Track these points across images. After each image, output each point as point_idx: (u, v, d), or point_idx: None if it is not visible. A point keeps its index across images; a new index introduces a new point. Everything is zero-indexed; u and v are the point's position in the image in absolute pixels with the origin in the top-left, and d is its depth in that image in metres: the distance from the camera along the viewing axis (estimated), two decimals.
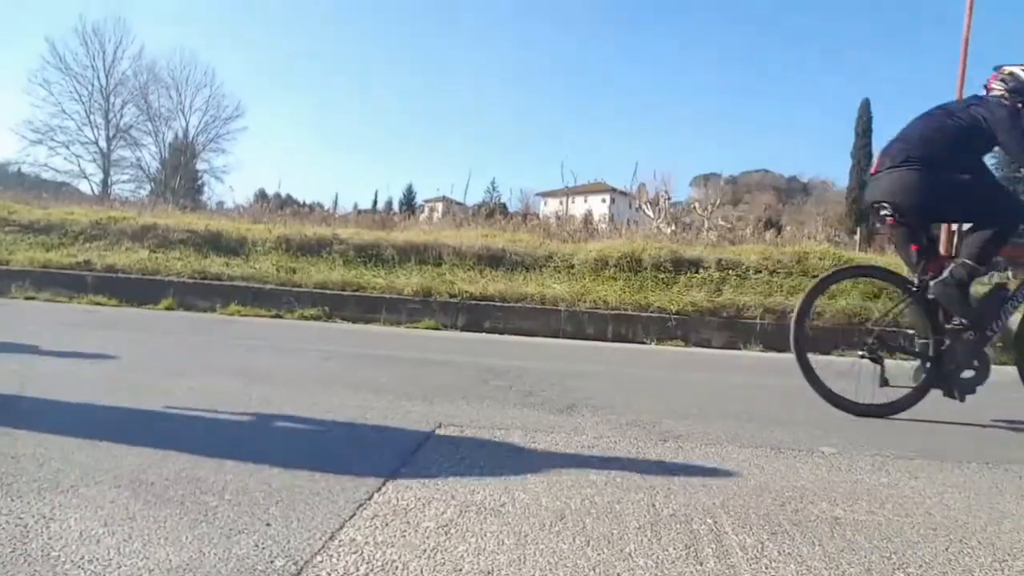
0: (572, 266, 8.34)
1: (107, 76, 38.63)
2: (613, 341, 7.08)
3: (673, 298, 7.61)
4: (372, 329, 6.56)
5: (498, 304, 7.32)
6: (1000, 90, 3.07)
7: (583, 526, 1.54)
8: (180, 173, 37.11)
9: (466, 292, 7.46)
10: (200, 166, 41.49)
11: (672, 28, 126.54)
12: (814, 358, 3.30)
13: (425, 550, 1.38)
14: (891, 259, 10.27)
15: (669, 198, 27.59)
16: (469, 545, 1.41)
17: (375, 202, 49.20)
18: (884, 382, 3.15)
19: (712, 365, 5.50)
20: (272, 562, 1.28)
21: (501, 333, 7.00)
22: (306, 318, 6.91)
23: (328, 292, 7.32)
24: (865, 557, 1.44)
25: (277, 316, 6.93)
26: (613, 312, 7.26)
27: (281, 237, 8.49)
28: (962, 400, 3.06)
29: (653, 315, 7.35)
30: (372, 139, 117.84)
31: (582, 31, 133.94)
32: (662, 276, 8.21)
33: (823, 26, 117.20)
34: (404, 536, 1.44)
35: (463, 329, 7.03)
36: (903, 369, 3.24)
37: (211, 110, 41.39)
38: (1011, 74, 3.07)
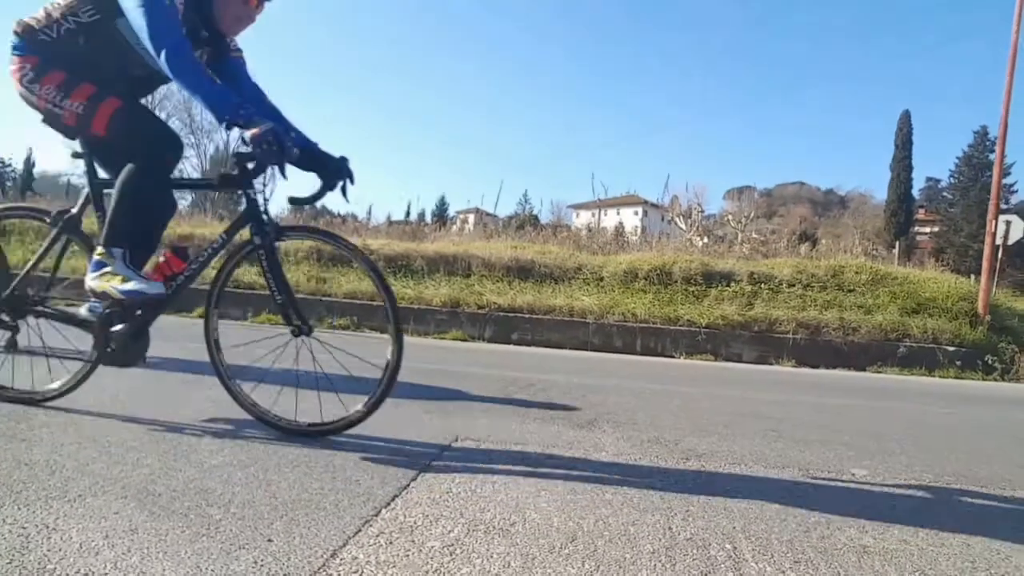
0: (601, 278, 8.26)
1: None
2: (641, 354, 6.98)
3: (703, 311, 7.49)
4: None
5: (526, 316, 7.28)
6: None
7: (594, 549, 1.48)
8: None
9: (494, 303, 7.44)
10: None
11: (704, 40, 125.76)
12: None
13: (428, 572, 1.33)
14: (930, 273, 9.97)
15: (702, 211, 27.30)
16: (473, 567, 1.36)
17: (407, 213, 49.74)
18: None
19: (741, 380, 5.36)
20: None
21: (529, 345, 6.96)
22: (335, 328, 6.95)
23: (357, 302, 7.36)
24: None
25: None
26: (642, 325, 7.16)
27: (313, 247, 8.57)
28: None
29: (682, 328, 7.23)
30: (409, 150, 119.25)
31: (616, 42, 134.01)
32: (692, 289, 8.08)
33: (863, 37, 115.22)
34: (408, 556, 1.39)
35: (490, 341, 7.01)
36: None
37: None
38: None
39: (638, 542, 1.53)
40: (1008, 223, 11.19)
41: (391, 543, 1.45)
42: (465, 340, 6.86)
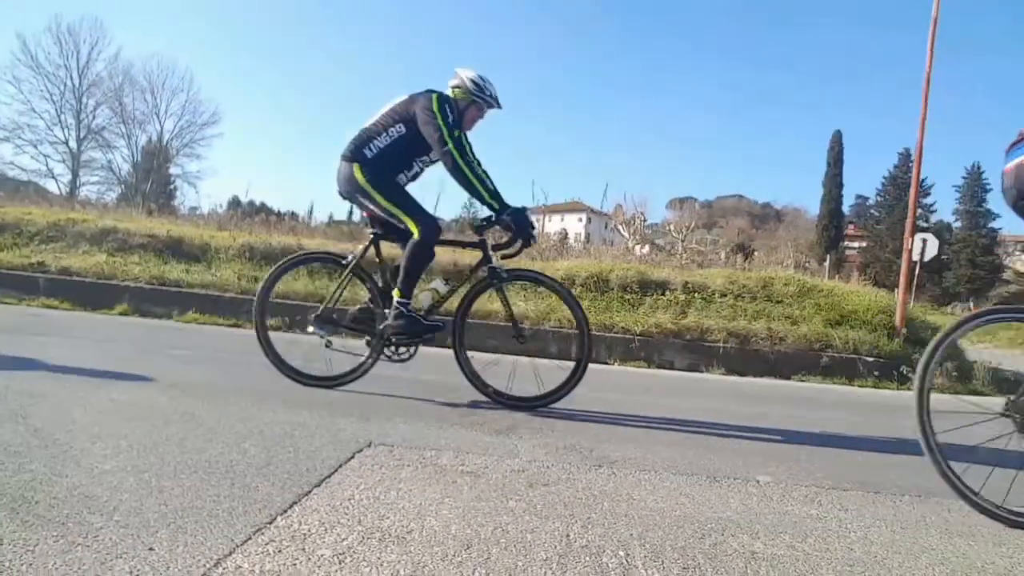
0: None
1: (80, 77, 37.93)
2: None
3: (638, 319, 7.60)
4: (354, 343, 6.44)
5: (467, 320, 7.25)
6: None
7: (487, 557, 1.48)
8: (152, 177, 36.49)
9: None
10: (173, 171, 40.90)
11: (646, 55, 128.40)
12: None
13: None
14: (854, 287, 10.41)
15: (645, 220, 27.82)
16: (360, 575, 1.34)
17: (351, 213, 48.88)
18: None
19: (669, 388, 5.47)
20: None
21: (469, 350, 6.92)
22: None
23: (291, 303, 7.17)
24: None
25: (236, 325, 6.79)
26: (577, 332, 7.21)
27: (245, 245, 8.33)
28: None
29: (617, 336, 7.33)
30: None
31: (557, 53, 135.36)
32: (628, 297, 8.20)
33: (798, 59, 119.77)
34: (295, 565, 1.36)
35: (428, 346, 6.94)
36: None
37: (187, 115, 40.91)
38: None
39: (533, 550, 1.54)
40: (924, 241, 11.80)
41: (280, 551, 1.42)
42: None
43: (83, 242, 8.43)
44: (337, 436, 2.46)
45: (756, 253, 18.45)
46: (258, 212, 15.74)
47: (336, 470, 2.04)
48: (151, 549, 1.37)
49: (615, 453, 2.57)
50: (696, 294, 8.45)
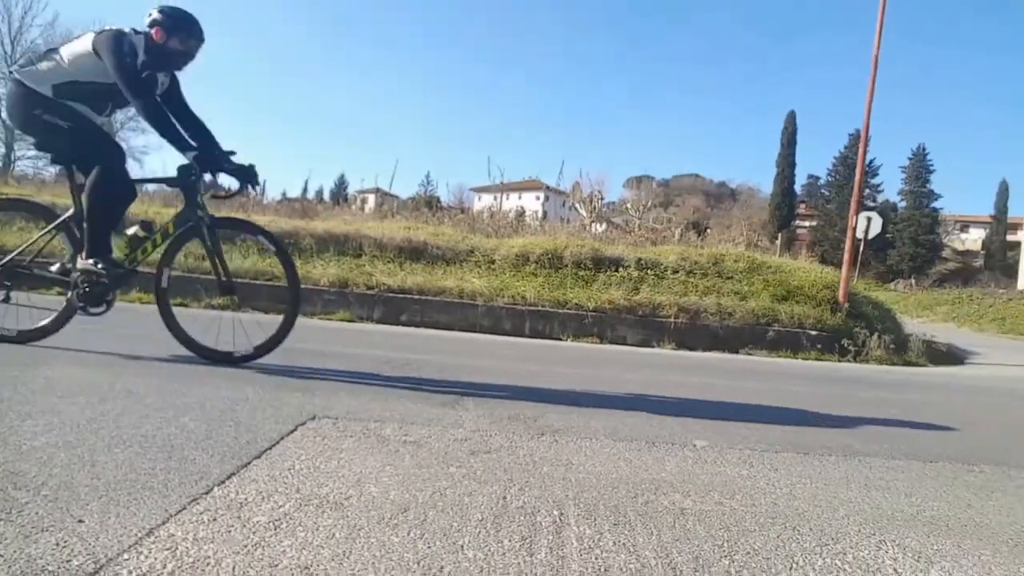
0: (493, 261, 8.33)
1: (13, 44, 35.92)
2: (530, 337, 7.11)
3: (591, 295, 7.72)
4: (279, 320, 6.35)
5: (416, 297, 7.24)
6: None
7: (424, 519, 1.50)
8: None
9: (384, 284, 7.35)
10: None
11: (612, 35, 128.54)
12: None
13: (247, 546, 1.31)
14: (801, 263, 10.72)
15: (602, 198, 27.99)
16: (296, 540, 1.35)
17: (304, 190, 47.97)
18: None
19: (619, 361, 5.58)
20: (68, 562, 1.19)
21: (417, 326, 6.93)
22: (213, 307, 6.62)
23: (238, 281, 7.03)
24: (698, 546, 1.46)
25: (182, 305, 6.61)
26: (531, 308, 7.29)
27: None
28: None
29: (571, 312, 7.43)
30: (309, 126, 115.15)
31: (520, 30, 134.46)
32: (582, 274, 8.30)
33: (756, 42, 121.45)
34: (229, 532, 1.37)
35: (379, 322, 6.93)
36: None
37: None
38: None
39: (469, 512, 1.57)
40: (869, 219, 12.18)
41: (215, 519, 1.42)
42: (353, 321, 6.75)
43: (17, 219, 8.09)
44: (280, 410, 2.45)
45: (710, 231, 18.80)
46: (209, 188, 15.28)
47: (277, 442, 2.04)
48: (80, 521, 1.36)
49: (558, 422, 2.62)
50: (649, 271, 8.60)
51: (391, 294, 7.20)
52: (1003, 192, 50.76)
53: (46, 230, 3.31)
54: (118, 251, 3.33)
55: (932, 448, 2.79)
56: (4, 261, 3.30)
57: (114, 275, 3.22)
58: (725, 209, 59.22)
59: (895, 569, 1.42)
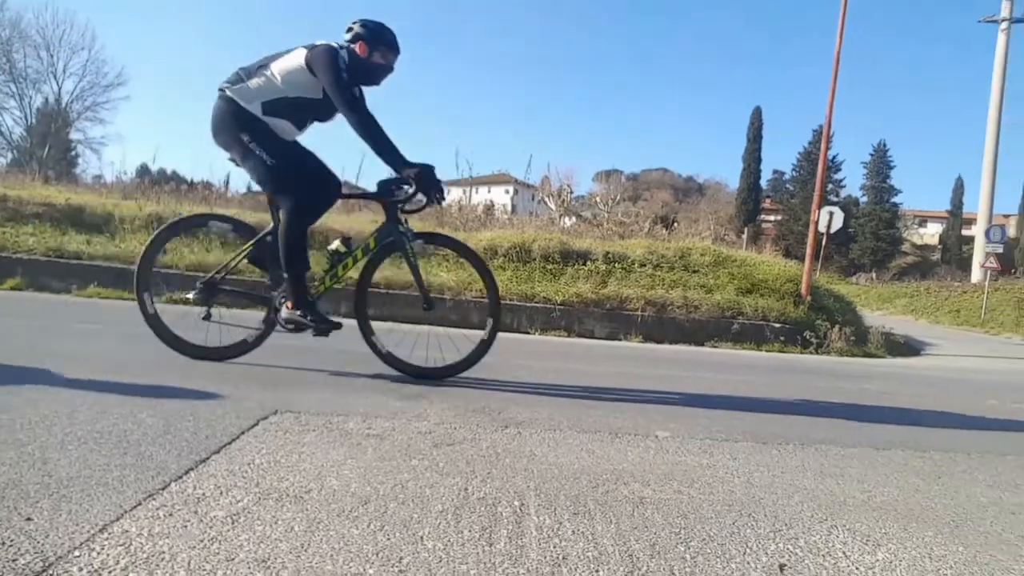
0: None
1: None
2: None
3: (560, 289, 7.75)
4: (245, 314, 6.25)
5: (382, 291, 7.18)
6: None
7: (384, 511, 1.51)
8: (49, 142, 33.67)
9: (351, 278, 7.26)
10: (74, 136, 38.06)
11: (583, 30, 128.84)
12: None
13: (203, 540, 1.30)
14: (765, 257, 10.90)
15: (571, 192, 28.10)
16: (253, 533, 1.34)
17: None
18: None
19: (587, 355, 5.62)
20: (14, 561, 1.17)
21: (383, 321, 6.86)
22: (175, 301, 6.49)
23: (202, 274, 6.92)
24: (655, 533, 1.49)
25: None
26: (488, 301, 7.27)
27: (153, 215, 7.97)
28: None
29: (538, 305, 7.45)
30: None
31: (493, 21, 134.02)
32: (550, 267, 8.33)
33: (724, 40, 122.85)
34: (185, 527, 1.35)
35: (345, 316, 6.83)
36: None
37: (89, 75, 38.03)
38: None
39: (430, 503, 1.58)
40: (831, 214, 12.45)
41: (171, 515, 1.40)
42: None
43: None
44: (241, 405, 2.42)
45: (677, 225, 18.99)
46: (169, 180, 14.98)
47: (237, 437, 2.01)
48: (29, 519, 1.33)
49: (523, 415, 2.64)
50: (616, 264, 8.67)
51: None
52: (959, 188, 52.19)
53: (246, 247, 3.32)
54: (317, 266, 3.36)
55: (885, 436, 2.87)
56: (207, 278, 3.34)
57: (322, 329, 3.22)
58: (693, 203, 59.94)
59: (844, 552, 1.47)
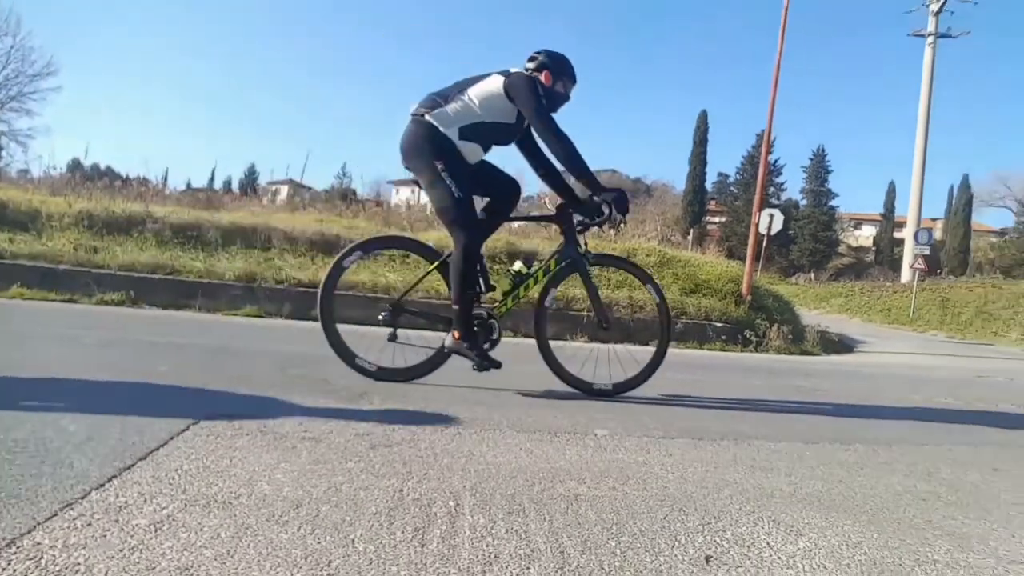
0: (408, 255, 8.22)
1: None
2: (444, 331, 7.07)
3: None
4: (182, 316, 6.07)
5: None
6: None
7: (316, 515, 1.48)
8: None
9: (294, 279, 7.14)
10: None
11: (525, 34, 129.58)
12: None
13: (122, 550, 1.25)
14: (709, 258, 11.16)
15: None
16: (177, 541, 1.30)
17: (211, 180, 45.85)
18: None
19: (531, 355, 5.63)
20: None
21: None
22: (107, 303, 6.26)
23: (135, 275, 6.67)
24: (587, 530, 1.51)
25: (71, 300, 6.22)
26: (446, 302, 7.22)
27: (83, 212, 7.64)
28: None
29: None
30: (217, 112, 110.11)
31: (433, 16, 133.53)
32: (498, 267, 8.31)
33: (671, 44, 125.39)
34: (104, 536, 1.30)
35: (288, 317, 6.71)
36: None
37: (13, 63, 36.04)
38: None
39: (364, 505, 1.56)
40: (771, 216, 12.82)
41: (89, 524, 1.35)
42: (261, 316, 6.51)
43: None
44: (173, 408, 2.34)
45: (624, 225, 19.22)
46: (102, 176, 14.39)
47: (166, 442, 1.95)
48: None
49: (463, 415, 2.64)
50: None
51: (302, 288, 6.98)
52: (891, 192, 54.57)
53: (428, 270, 3.41)
54: (499, 286, 3.43)
55: (815, 430, 2.98)
56: (396, 299, 3.42)
57: (483, 366, 3.25)
58: (641, 204, 60.79)
59: (768, 543, 1.52)
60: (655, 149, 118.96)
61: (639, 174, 76.97)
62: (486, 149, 3.29)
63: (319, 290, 3.34)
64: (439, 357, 3.36)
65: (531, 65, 3.28)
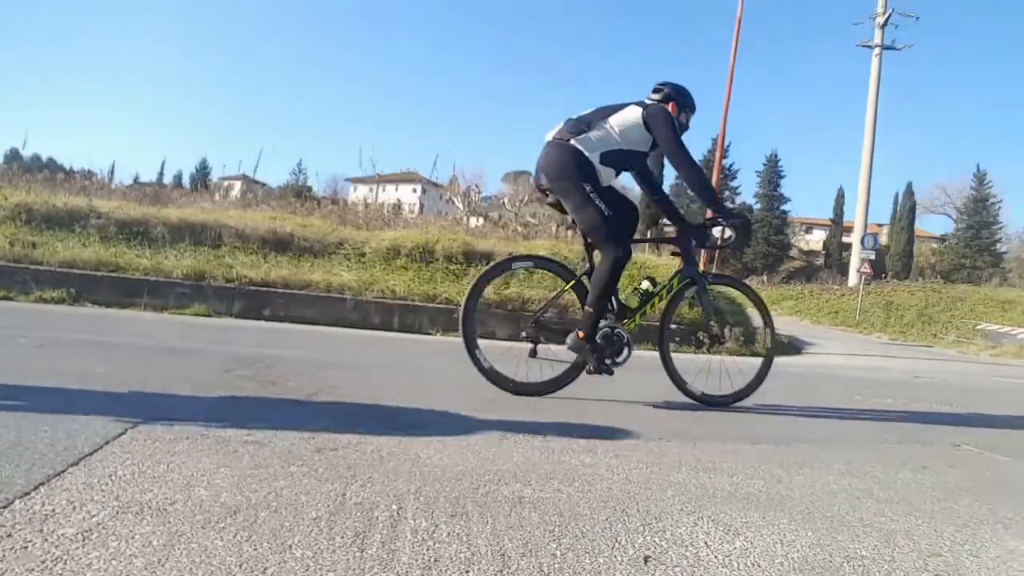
0: (364, 254, 8.16)
1: None
2: (399, 331, 7.03)
3: (462, 290, 7.73)
4: (126, 315, 5.89)
5: (280, 291, 6.95)
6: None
7: (254, 521, 1.45)
8: None
9: (245, 277, 6.99)
10: None
11: (484, 40, 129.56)
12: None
13: (45, 561, 1.21)
14: (666, 260, 11.34)
15: (480, 192, 28.22)
16: (106, 550, 1.26)
17: (160, 174, 44.58)
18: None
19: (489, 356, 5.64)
20: None
21: (281, 321, 6.65)
22: (45, 301, 6.03)
23: (77, 272, 6.44)
24: (529, 532, 1.52)
25: (6, 298, 5.98)
26: (400, 302, 7.21)
27: (21, 205, 7.34)
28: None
29: (441, 306, 7.42)
30: (169, 102, 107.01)
31: (399, 25, 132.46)
32: (453, 267, 8.32)
33: (629, 44, 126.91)
34: (25, 548, 1.25)
35: (238, 316, 6.58)
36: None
37: None
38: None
39: (304, 510, 1.54)
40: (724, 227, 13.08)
41: (9, 535, 1.29)
42: (209, 315, 6.35)
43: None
44: (111, 412, 2.27)
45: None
46: (43, 168, 13.84)
47: (100, 447, 1.88)
48: None
49: (414, 417, 2.63)
50: None
51: (253, 287, 6.85)
52: (840, 198, 56.29)
53: (564, 288, 3.58)
54: (628, 303, 3.58)
55: (760, 430, 3.06)
56: (535, 317, 3.57)
57: (601, 369, 3.39)
58: None
59: (706, 542, 1.55)
60: None
61: None
62: (617, 174, 3.51)
63: (461, 310, 3.50)
64: (573, 372, 3.51)
65: (657, 96, 3.49)
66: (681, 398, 3.63)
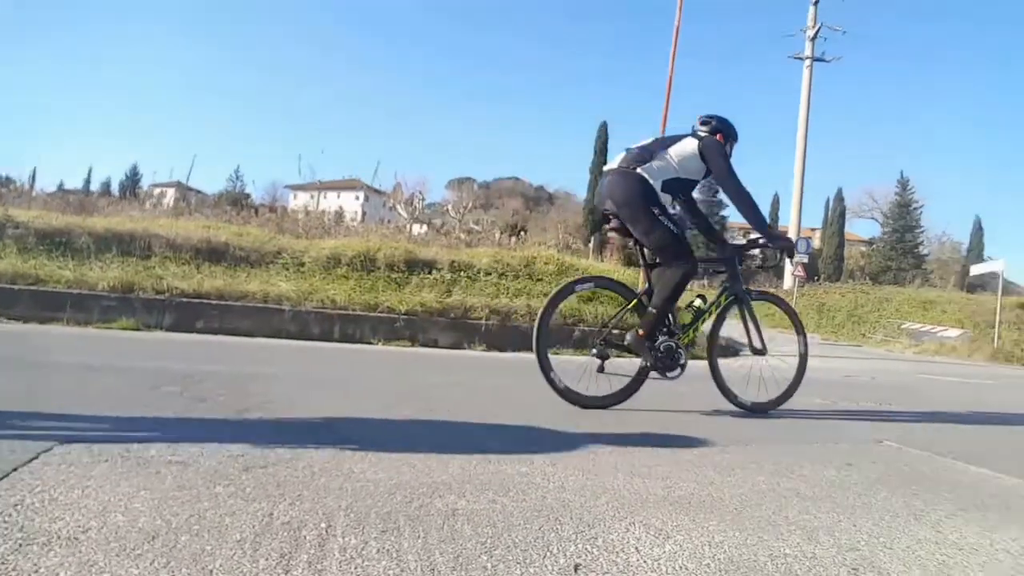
0: (303, 264, 8.00)
1: None
2: (340, 342, 6.91)
3: (404, 298, 7.67)
4: (44, 330, 5.60)
5: (214, 302, 6.74)
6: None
7: (173, 545, 1.40)
8: None
9: (177, 288, 6.75)
10: None
11: (430, 45, 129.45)
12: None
13: None
14: (607, 265, 11.50)
15: (424, 199, 28.06)
16: None
17: (87, 181, 42.70)
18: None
19: (429, 364, 5.61)
20: None
21: (215, 334, 6.44)
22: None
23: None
24: (461, 545, 1.51)
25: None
26: (340, 312, 7.09)
27: None
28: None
29: (382, 315, 7.33)
30: (96, 104, 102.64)
31: (338, 31, 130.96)
32: (395, 276, 8.25)
33: (571, 59, 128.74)
34: None
35: (169, 329, 6.34)
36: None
37: None
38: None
39: (228, 532, 1.49)
40: None
41: None
42: (137, 329, 6.10)
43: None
44: (22, 434, 2.15)
45: (526, 233, 19.52)
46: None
47: (7, 474, 1.78)
48: None
49: (349, 430, 2.58)
50: (462, 273, 8.75)
51: (185, 299, 6.61)
52: (775, 203, 58.36)
53: (627, 306, 3.77)
54: (681, 319, 3.85)
55: (695, 433, 3.12)
56: (605, 335, 3.73)
57: (658, 367, 3.66)
58: (543, 212, 62.00)
59: (636, 547, 1.57)
60: (558, 158, 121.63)
61: (542, 182, 78.40)
62: (673, 200, 3.79)
63: (535, 330, 3.59)
64: (636, 383, 3.70)
65: (705, 128, 3.75)
66: (625, 405, 3.67)
